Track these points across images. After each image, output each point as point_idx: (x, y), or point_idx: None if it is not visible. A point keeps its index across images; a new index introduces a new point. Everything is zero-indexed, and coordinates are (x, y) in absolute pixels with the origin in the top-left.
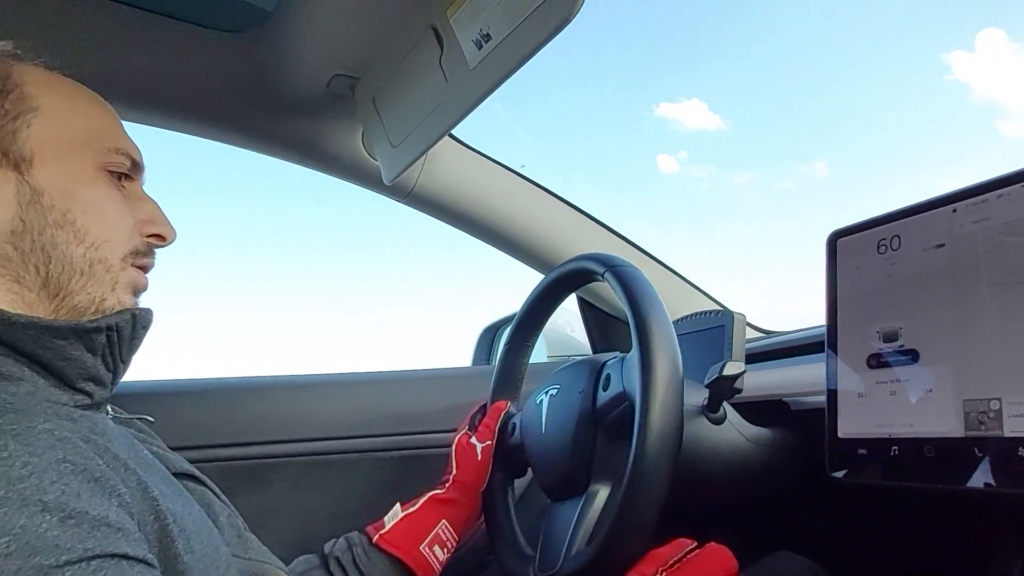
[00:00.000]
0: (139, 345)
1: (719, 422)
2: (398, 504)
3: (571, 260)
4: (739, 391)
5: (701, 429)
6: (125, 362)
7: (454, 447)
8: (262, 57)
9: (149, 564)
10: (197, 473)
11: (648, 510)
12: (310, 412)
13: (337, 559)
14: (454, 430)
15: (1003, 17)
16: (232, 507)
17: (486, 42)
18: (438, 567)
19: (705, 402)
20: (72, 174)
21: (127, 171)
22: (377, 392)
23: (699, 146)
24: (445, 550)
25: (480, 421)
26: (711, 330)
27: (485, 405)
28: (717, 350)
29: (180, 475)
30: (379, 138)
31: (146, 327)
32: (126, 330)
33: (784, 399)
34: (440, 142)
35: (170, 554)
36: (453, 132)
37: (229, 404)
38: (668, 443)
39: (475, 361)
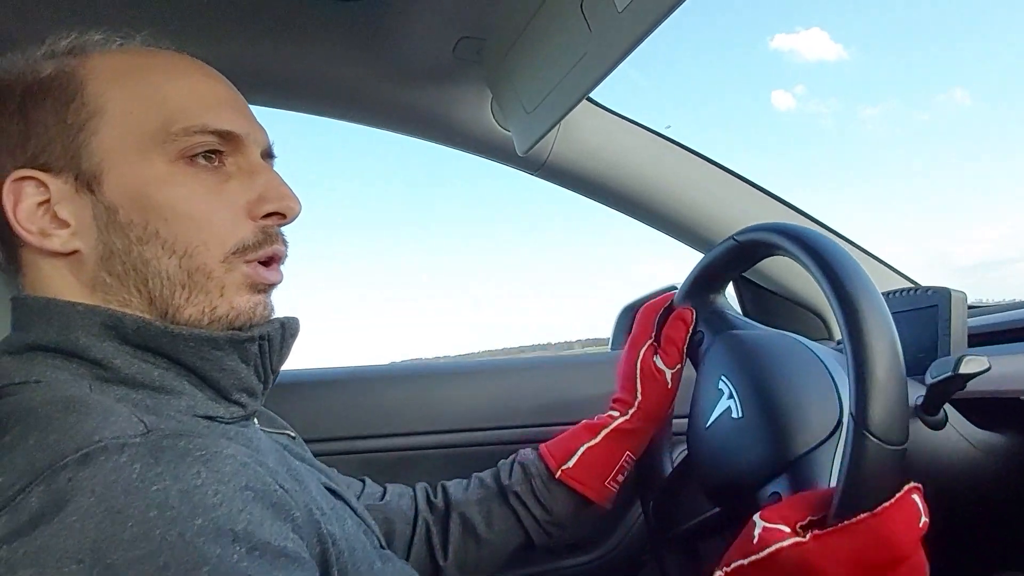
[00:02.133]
0: (288, 354)
1: (939, 426)
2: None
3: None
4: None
5: (916, 435)
6: (275, 372)
7: (638, 365)
8: (381, 25)
9: None
10: (336, 487)
11: None
12: (449, 401)
13: (516, 493)
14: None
15: None
16: (369, 522)
17: None
18: (616, 491)
19: (920, 401)
20: (144, 178)
21: (217, 147)
22: (517, 380)
23: (819, 79)
24: (624, 475)
25: (663, 332)
26: (919, 311)
27: (669, 305)
28: (927, 335)
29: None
30: (511, 105)
31: (294, 335)
32: (276, 339)
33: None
34: None
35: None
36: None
37: (367, 394)
38: None
39: (615, 344)
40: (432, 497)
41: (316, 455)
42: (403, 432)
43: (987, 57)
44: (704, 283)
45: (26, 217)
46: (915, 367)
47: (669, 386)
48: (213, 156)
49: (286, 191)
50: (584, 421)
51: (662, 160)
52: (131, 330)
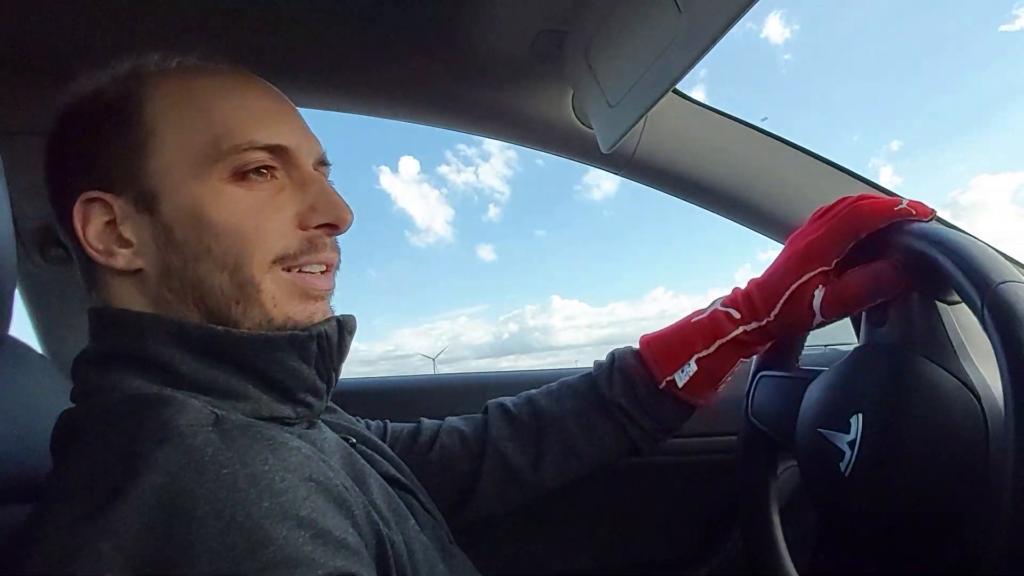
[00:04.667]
0: (347, 352)
1: None
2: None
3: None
4: None
5: None
6: (336, 370)
7: (790, 290)
8: (456, 22)
9: None
10: (403, 479)
11: None
12: None
13: (620, 405)
14: (710, 434)
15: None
16: (438, 516)
17: None
18: (721, 390)
19: None
20: (197, 197)
21: (268, 162)
22: None
23: None
24: (731, 375)
25: (848, 277)
26: None
27: (886, 231)
28: None
29: (387, 479)
30: (594, 99)
31: (352, 332)
32: (334, 337)
33: None
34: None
35: None
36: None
37: (449, 400)
38: None
39: None
40: (513, 412)
41: None
42: None
43: None
44: (934, 269)
45: (95, 237)
46: None
47: (811, 328)
48: (265, 170)
49: (337, 201)
50: (695, 316)
51: (758, 152)
52: (194, 336)
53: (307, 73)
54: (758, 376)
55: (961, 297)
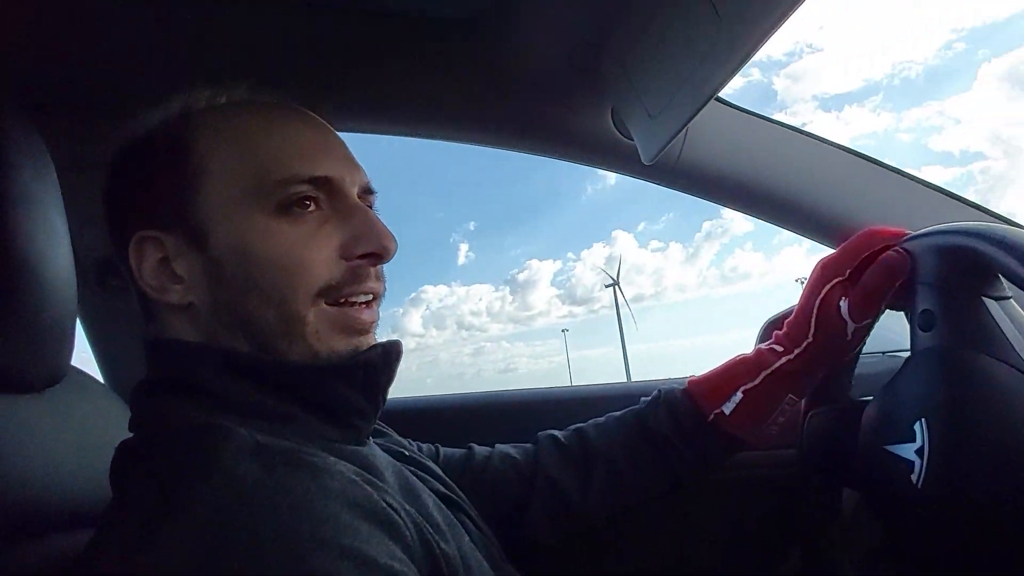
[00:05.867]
0: (394, 375)
1: None
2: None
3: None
4: None
5: None
6: (384, 394)
7: (817, 304)
8: (494, 41)
9: None
10: (454, 496)
11: None
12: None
13: (666, 437)
14: (767, 447)
15: None
16: (490, 534)
17: None
18: (776, 432)
19: None
20: (245, 233)
21: (311, 193)
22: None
23: None
24: (784, 417)
25: (865, 278)
26: None
27: (891, 251)
28: None
29: (439, 497)
30: (633, 110)
31: (398, 358)
32: (379, 363)
33: None
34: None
35: None
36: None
37: (495, 420)
38: None
39: None
40: (563, 441)
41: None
42: None
43: None
44: (980, 263)
45: (149, 274)
46: None
47: (849, 339)
48: (309, 202)
49: (380, 229)
50: (740, 355)
51: (804, 155)
52: (244, 365)
53: (351, 98)
54: (808, 416)
55: (1021, 287)
